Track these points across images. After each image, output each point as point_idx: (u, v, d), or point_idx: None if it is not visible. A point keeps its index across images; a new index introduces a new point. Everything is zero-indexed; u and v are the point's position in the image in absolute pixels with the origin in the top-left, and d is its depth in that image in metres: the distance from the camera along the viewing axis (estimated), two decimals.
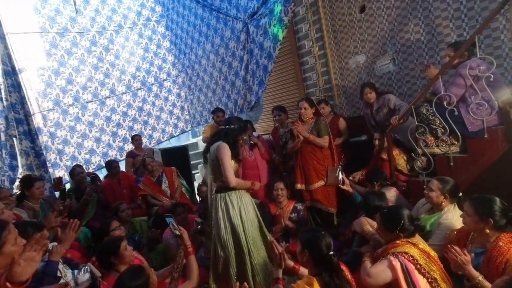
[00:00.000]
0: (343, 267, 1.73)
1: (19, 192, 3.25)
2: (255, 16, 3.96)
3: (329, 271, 1.56)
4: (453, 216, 2.09)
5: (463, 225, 2.02)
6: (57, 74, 5.45)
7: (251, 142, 3.75)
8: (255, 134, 4.08)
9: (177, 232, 2.08)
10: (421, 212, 2.34)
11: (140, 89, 6.43)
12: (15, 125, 4.56)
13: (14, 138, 4.63)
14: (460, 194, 2.19)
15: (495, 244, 1.75)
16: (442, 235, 2.03)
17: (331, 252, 1.61)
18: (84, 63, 5.74)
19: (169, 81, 6.77)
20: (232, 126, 2.43)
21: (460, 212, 2.13)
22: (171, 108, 6.80)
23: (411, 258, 1.76)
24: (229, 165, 2.28)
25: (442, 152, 2.68)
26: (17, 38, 4.84)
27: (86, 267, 1.74)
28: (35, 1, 5.23)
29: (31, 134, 4.74)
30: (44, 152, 4.91)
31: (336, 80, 4.34)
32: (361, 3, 3.80)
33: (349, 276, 1.71)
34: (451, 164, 2.58)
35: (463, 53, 2.46)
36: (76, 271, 1.72)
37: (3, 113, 4.49)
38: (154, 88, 6.61)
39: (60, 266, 1.69)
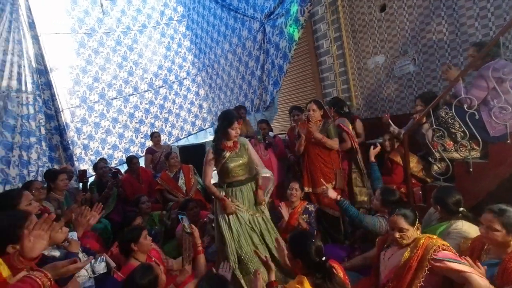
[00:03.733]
0: (336, 265, 1.73)
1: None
2: (271, 16, 3.98)
3: (321, 275, 1.56)
4: (463, 225, 2.02)
5: (474, 234, 1.96)
6: (85, 72, 5.74)
7: (267, 141, 3.78)
8: (271, 134, 4.10)
9: (188, 230, 2.15)
10: (433, 219, 2.27)
11: (161, 87, 6.63)
12: (47, 120, 4.88)
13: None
14: (461, 208, 2.09)
15: (511, 256, 1.67)
16: (453, 244, 1.96)
17: (323, 258, 1.59)
18: (109, 61, 6.01)
19: (188, 80, 6.94)
20: (216, 123, 2.52)
21: (470, 223, 2.06)
22: (189, 106, 6.97)
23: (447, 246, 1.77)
24: (207, 169, 2.50)
25: (461, 157, 2.57)
26: (49, 39, 5.15)
27: (102, 257, 1.86)
28: (66, 4, 5.54)
29: (60, 129, 5.07)
30: (71, 147, 5.21)
31: (354, 80, 4.26)
32: (382, 2, 3.70)
33: (341, 274, 1.71)
34: (471, 170, 2.47)
35: (486, 54, 2.34)
36: (93, 260, 1.83)
37: (42, 109, 4.81)
38: (175, 86, 6.79)
39: (80, 255, 1.81)
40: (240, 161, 2.51)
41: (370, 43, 3.94)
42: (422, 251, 1.74)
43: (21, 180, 3.35)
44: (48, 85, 4.99)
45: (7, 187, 2.93)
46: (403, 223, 1.82)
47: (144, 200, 3.51)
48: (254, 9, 4.38)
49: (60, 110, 5.14)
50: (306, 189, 3.22)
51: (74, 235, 1.83)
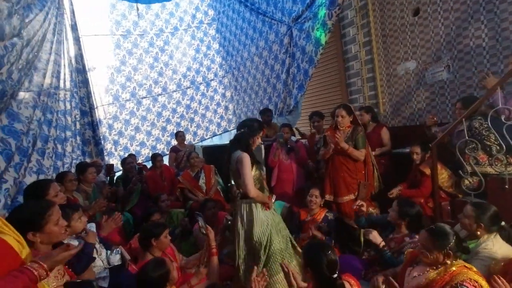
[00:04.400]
0: (352, 281, 1.65)
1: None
2: (299, 20, 3.95)
3: None
4: (494, 246, 1.85)
5: (506, 256, 1.79)
6: (119, 72, 6.06)
7: (289, 146, 3.74)
8: (293, 138, 4.06)
9: (204, 231, 2.17)
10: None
11: (189, 87, 6.82)
12: (82, 116, 5.20)
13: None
14: (503, 223, 1.92)
15: None
16: (481, 265, 1.81)
17: (335, 275, 1.50)
18: (142, 62, 6.29)
19: (215, 81, 7.07)
20: (242, 130, 2.38)
21: (503, 242, 1.89)
22: (215, 107, 7.10)
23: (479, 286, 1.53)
24: (249, 175, 2.21)
25: (496, 172, 2.38)
26: (88, 40, 5.50)
27: (118, 249, 1.93)
28: (106, 7, 5.89)
29: (93, 125, 5.38)
30: (102, 142, 5.50)
31: (382, 87, 4.11)
32: (415, 6, 3.54)
33: None
34: (506, 186, 2.27)
35: None
36: (109, 252, 1.91)
37: (78, 105, 5.13)
38: (202, 87, 6.96)
39: (97, 246, 1.90)
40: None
41: (401, 48, 3.78)
42: (449, 277, 1.59)
43: (55, 171, 3.58)
44: (85, 83, 5.32)
45: (41, 177, 3.13)
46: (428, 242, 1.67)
47: (163, 198, 3.59)
48: (282, 12, 4.38)
49: (95, 107, 5.46)
50: (327, 197, 3.12)
51: (92, 227, 1.92)
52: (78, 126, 5.05)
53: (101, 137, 5.55)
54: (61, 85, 4.42)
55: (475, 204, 1.97)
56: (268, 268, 2.22)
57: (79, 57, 5.27)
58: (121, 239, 2.97)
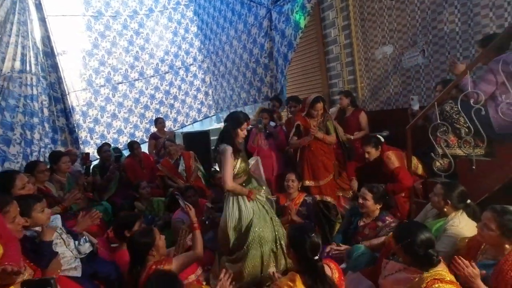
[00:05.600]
0: (333, 265, 1.71)
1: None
2: (278, 2, 3.86)
3: (312, 276, 1.54)
4: (460, 223, 1.97)
5: (471, 233, 1.90)
6: (91, 55, 5.75)
7: (267, 131, 3.74)
8: (272, 123, 4.05)
9: (183, 204, 2.19)
10: (429, 216, 2.22)
11: (167, 72, 6.60)
12: (53, 103, 4.93)
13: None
14: (469, 201, 2.04)
15: (507, 258, 1.62)
16: (448, 242, 1.92)
17: (316, 257, 1.56)
18: (116, 45, 5.99)
19: (195, 66, 6.88)
20: (226, 124, 2.46)
21: (468, 219, 2.01)
22: (195, 93, 6.94)
23: None
24: (228, 169, 2.27)
25: (464, 154, 2.49)
26: (55, 21, 5.15)
27: (84, 237, 1.90)
28: None
29: (65, 112, 5.13)
30: (76, 130, 5.28)
31: (361, 71, 4.14)
32: None
33: (336, 274, 1.68)
34: (473, 167, 2.39)
35: (497, 46, 2.22)
36: (76, 242, 1.86)
37: (46, 91, 4.85)
38: (181, 72, 6.75)
39: (64, 236, 1.85)
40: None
41: (379, 32, 3.80)
42: None
43: (25, 158, 3.43)
44: (55, 67, 5.03)
45: (6, 164, 2.98)
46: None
47: (143, 185, 3.55)
48: None
49: (66, 93, 5.19)
50: (307, 182, 3.20)
51: (57, 218, 1.84)
52: (46, 112, 4.79)
53: (75, 125, 5.32)
54: (27, 68, 4.14)
55: (443, 183, 2.08)
56: (245, 251, 2.34)
57: (46, 39, 4.94)
58: (98, 229, 2.92)
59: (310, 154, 3.14)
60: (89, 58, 5.73)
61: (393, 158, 2.85)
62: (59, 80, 5.07)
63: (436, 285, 1.49)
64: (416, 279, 1.58)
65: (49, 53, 4.98)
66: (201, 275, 2.32)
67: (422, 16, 3.31)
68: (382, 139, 3.03)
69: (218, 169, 2.64)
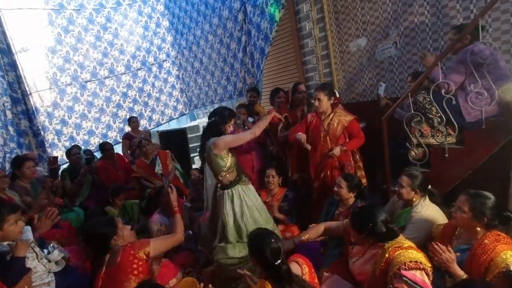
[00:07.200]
0: (301, 260, 1.71)
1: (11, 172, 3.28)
2: None
3: (278, 281, 1.53)
4: (422, 208, 2.06)
5: (435, 215, 1.98)
6: (54, 52, 5.38)
7: (246, 127, 3.67)
8: (250, 119, 3.99)
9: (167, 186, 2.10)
10: (397, 207, 2.28)
11: (140, 69, 6.34)
12: (13, 104, 4.57)
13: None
14: (429, 186, 2.16)
15: (480, 242, 1.69)
16: (415, 227, 2.01)
17: (279, 260, 1.55)
18: (81, 41, 5.65)
19: (168, 62, 6.65)
20: (213, 118, 2.45)
21: (430, 203, 2.11)
22: (170, 90, 6.72)
23: (421, 265, 1.55)
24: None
25: (437, 143, 2.57)
26: (11, 15, 4.75)
27: (52, 244, 1.77)
28: None
29: (28, 114, 4.77)
30: (41, 132, 4.94)
31: (336, 64, 4.17)
32: None
33: (306, 269, 1.68)
34: (446, 155, 2.47)
35: (464, 37, 2.29)
36: (45, 251, 1.73)
37: (7, 91, 4.48)
38: (154, 69, 6.51)
39: (37, 250, 1.70)
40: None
41: (352, 25, 3.83)
42: (385, 266, 1.60)
43: None
44: (13, 66, 4.65)
45: None
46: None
47: (121, 197, 3.43)
48: None
49: (28, 93, 4.83)
50: (296, 176, 3.19)
51: (28, 230, 1.68)
52: (9, 115, 4.44)
53: (40, 127, 4.97)
54: None
55: (408, 175, 2.15)
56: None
57: (1, 35, 4.56)
58: (68, 235, 2.75)
59: (300, 148, 3.09)
60: (52, 55, 5.36)
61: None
62: (18, 79, 4.70)
63: (397, 252, 1.59)
64: (380, 251, 1.67)
65: (5, 50, 4.60)
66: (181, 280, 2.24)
67: (393, 8, 3.36)
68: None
69: (207, 169, 2.58)
